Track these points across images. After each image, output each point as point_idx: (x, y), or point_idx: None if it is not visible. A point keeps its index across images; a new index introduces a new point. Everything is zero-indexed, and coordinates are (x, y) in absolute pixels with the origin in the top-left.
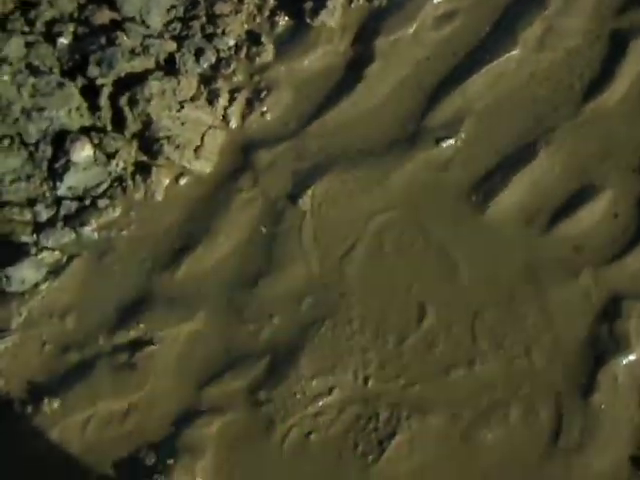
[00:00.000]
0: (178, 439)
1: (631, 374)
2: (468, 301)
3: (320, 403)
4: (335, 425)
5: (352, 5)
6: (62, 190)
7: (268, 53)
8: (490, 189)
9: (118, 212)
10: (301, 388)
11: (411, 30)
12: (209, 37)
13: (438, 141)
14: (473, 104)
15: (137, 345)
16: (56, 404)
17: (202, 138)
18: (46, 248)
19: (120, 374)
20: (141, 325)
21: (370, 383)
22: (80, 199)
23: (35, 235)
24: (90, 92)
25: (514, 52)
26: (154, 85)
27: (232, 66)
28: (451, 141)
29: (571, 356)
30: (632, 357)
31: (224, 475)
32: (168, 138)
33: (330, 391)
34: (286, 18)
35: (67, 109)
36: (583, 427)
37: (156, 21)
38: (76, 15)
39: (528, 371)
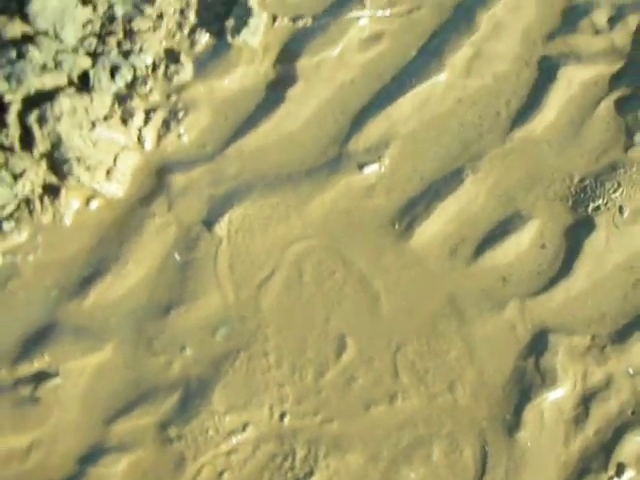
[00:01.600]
0: (83, 478)
1: (558, 410)
2: (390, 334)
3: (234, 440)
4: (249, 464)
5: (275, 24)
6: None
7: (187, 72)
8: (414, 217)
9: (24, 236)
10: (214, 424)
11: (336, 52)
12: (126, 54)
13: (361, 167)
14: (398, 129)
15: (41, 378)
16: None
17: (115, 159)
18: None
19: (22, 409)
20: (46, 356)
21: (286, 419)
22: None
23: None
24: None
25: (441, 77)
26: (65, 103)
27: (149, 85)
28: (374, 167)
29: (496, 392)
30: (559, 392)
31: None
32: (78, 159)
33: (244, 428)
34: (207, 36)
35: None
36: (509, 466)
37: (70, 36)
38: None
39: (451, 407)
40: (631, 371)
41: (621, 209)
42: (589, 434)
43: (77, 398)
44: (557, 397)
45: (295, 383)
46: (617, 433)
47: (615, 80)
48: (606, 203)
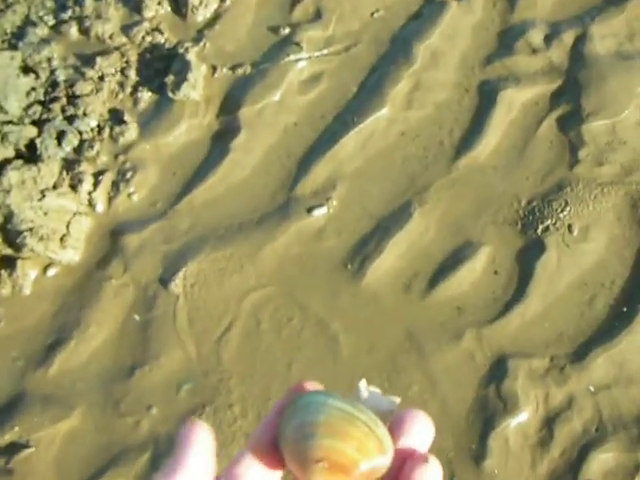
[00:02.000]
0: None
1: (522, 434)
2: (351, 374)
3: None
4: None
5: (215, 75)
6: None
7: (132, 131)
8: (366, 256)
9: None
10: None
11: (277, 97)
12: (70, 119)
13: (310, 210)
14: (344, 168)
15: (13, 449)
16: None
17: (67, 226)
18: None
19: None
20: (16, 428)
21: None
22: None
23: None
24: None
25: (383, 111)
26: (13, 175)
27: (95, 148)
28: (323, 209)
29: (460, 422)
30: (521, 417)
31: None
32: (31, 230)
33: None
34: (149, 93)
35: None
36: None
37: (14, 106)
38: None
39: None
40: (592, 389)
41: (570, 227)
42: (555, 456)
43: (50, 466)
44: (520, 422)
45: None
46: (582, 452)
47: (555, 98)
48: (555, 223)
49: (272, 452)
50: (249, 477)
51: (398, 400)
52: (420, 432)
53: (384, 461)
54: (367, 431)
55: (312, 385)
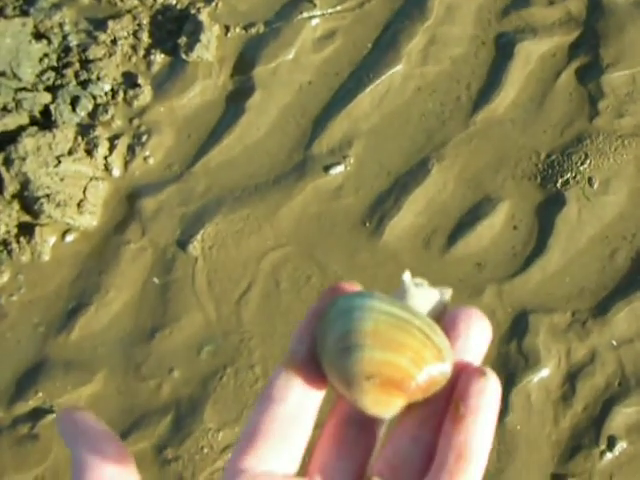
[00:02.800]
0: None
1: (544, 390)
2: None
3: (229, 455)
4: None
5: (228, 35)
6: None
7: (146, 94)
8: (384, 213)
9: (6, 277)
10: (208, 442)
11: (291, 55)
12: (84, 84)
13: (327, 169)
14: (360, 126)
15: (37, 415)
16: None
17: (84, 192)
18: None
19: (22, 446)
20: (39, 393)
21: None
22: None
23: None
24: None
25: (398, 67)
26: (28, 142)
27: (110, 112)
28: (340, 167)
29: None
30: (543, 372)
31: None
32: (48, 196)
33: None
34: (162, 56)
35: None
36: (500, 450)
37: (28, 73)
38: None
39: None
40: (614, 343)
41: (590, 180)
42: (578, 410)
43: None
44: (542, 377)
45: None
46: (605, 407)
47: (574, 49)
48: (575, 176)
49: (311, 367)
50: (286, 398)
51: (450, 291)
52: (476, 335)
53: (444, 370)
54: (423, 338)
55: (351, 286)
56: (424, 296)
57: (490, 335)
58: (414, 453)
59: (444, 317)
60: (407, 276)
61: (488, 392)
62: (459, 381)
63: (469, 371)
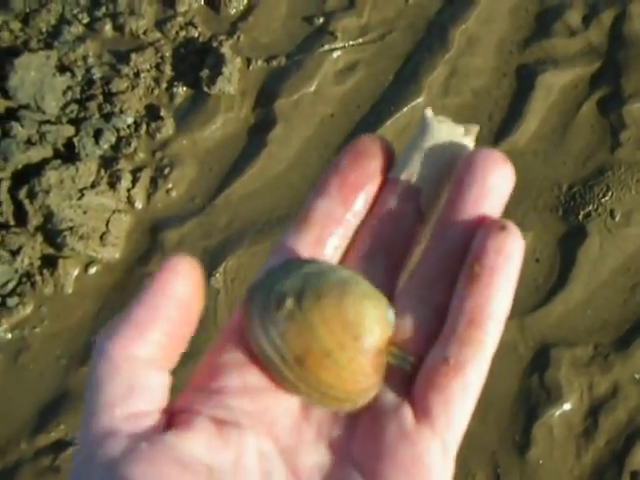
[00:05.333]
0: None
1: (566, 424)
2: None
3: None
4: None
5: (250, 68)
6: None
7: (168, 127)
8: None
9: (29, 309)
10: None
11: (312, 88)
12: (107, 117)
13: None
14: None
15: (59, 447)
16: None
17: (107, 224)
18: None
19: (44, 479)
20: (61, 425)
21: None
22: None
23: None
24: None
25: (419, 100)
26: (52, 175)
27: (133, 145)
28: None
29: (504, 414)
30: (566, 407)
31: None
32: (71, 229)
33: None
34: (184, 88)
35: None
36: None
37: (52, 106)
38: None
39: None
40: (637, 376)
41: (612, 213)
42: (600, 445)
43: None
44: (564, 411)
45: None
46: (628, 441)
47: (595, 80)
48: (596, 208)
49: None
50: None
51: (477, 128)
52: (496, 182)
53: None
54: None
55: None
56: (447, 131)
57: (512, 182)
58: (422, 316)
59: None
60: (429, 112)
61: (508, 248)
62: (477, 237)
63: (486, 224)
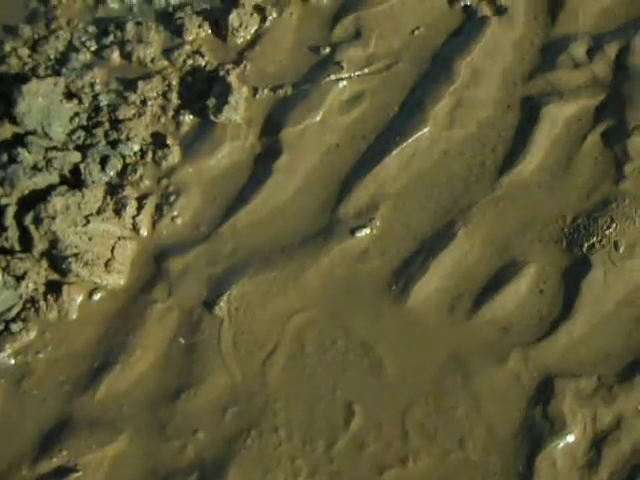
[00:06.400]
0: None
1: (570, 456)
2: (396, 397)
3: None
4: None
5: (257, 97)
6: None
7: (174, 155)
8: (410, 277)
9: (33, 334)
10: None
11: (318, 117)
12: (113, 144)
13: (353, 231)
14: (387, 188)
15: (62, 473)
16: None
17: (112, 251)
18: None
19: None
20: (64, 452)
21: None
22: None
23: None
24: None
25: (425, 130)
26: (57, 201)
27: (139, 172)
28: (366, 230)
29: (507, 444)
30: (569, 438)
31: None
32: (76, 255)
33: None
34: (191, 116)
35: None
36: None
37: (58, 132)
38: None
39: (464, 463)
40: None
41: (616, 244)
42: (604, 478)
43: None
44: (568, 443)
45: (307, 455)
46: (632, 474)
47: (599, 112)
48: (600, 240)
49: None
50: None
51: None
52: None
53: None
54: None
55: None
56: None
57: None
58: None
59: None
60: None
61: None
62: None
63: None
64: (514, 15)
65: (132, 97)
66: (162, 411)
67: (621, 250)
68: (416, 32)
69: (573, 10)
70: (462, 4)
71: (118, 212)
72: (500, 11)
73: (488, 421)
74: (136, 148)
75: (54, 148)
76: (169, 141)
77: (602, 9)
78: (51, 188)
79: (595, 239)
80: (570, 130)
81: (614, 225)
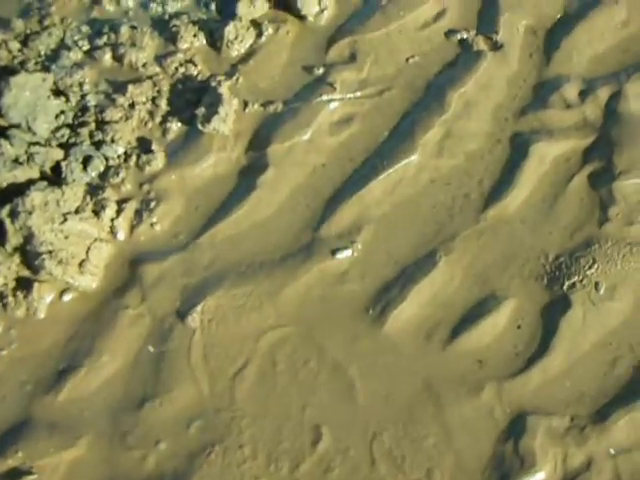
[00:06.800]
0: None
1: None
2: (365, 422)
3: None
4: None
5: (247, 110)
6: None
7: (158, 161)
8: (388, 302)
9: None
10: None
11: (306, 136)
12: (98, 144)
13: (334, 252)
14: (371, 212)
15: (15, 475)
16: None
17: (87, 252)
18: None
19: None
20: (19, 453)
21: None
22: None
23: None
24: None
25: (413, 158)
26: (36, 197)
27: (121, 175)
28: (348, 252)
29: (475, 478)
30: (538, 476)
31: None
32: (50, 252)
33: None
34: (178, 124)
35: None
36: None
37: (43, 128)
38: None
39: None
40: (612, 451)
41: (597, 285)
42: None
43: None
44: None
45: (271, 475)
46: None
47: (587, 154)
48: (581, 280)
49: None
50: None
51: None
52: None
53: None
54: None
55: None
56: None
57: None
58: None
59: None
60: None
61: None
62: None
63: None
64: (509, 52)
65: (120, 100)
66: (125, 419)
67: (602, 291)
68: (411, 60)
69: (568, 52)
70: (459, 37)
71: (97, 213)
72: (496, 47)
73: (457, 453)
74: (120, 151)
75: (37, 143)
76: (154, 147)
77: (596, 54)
78: (31, 183)
79: (576, 278)
80: (558, 169)
81: (596, 266)
